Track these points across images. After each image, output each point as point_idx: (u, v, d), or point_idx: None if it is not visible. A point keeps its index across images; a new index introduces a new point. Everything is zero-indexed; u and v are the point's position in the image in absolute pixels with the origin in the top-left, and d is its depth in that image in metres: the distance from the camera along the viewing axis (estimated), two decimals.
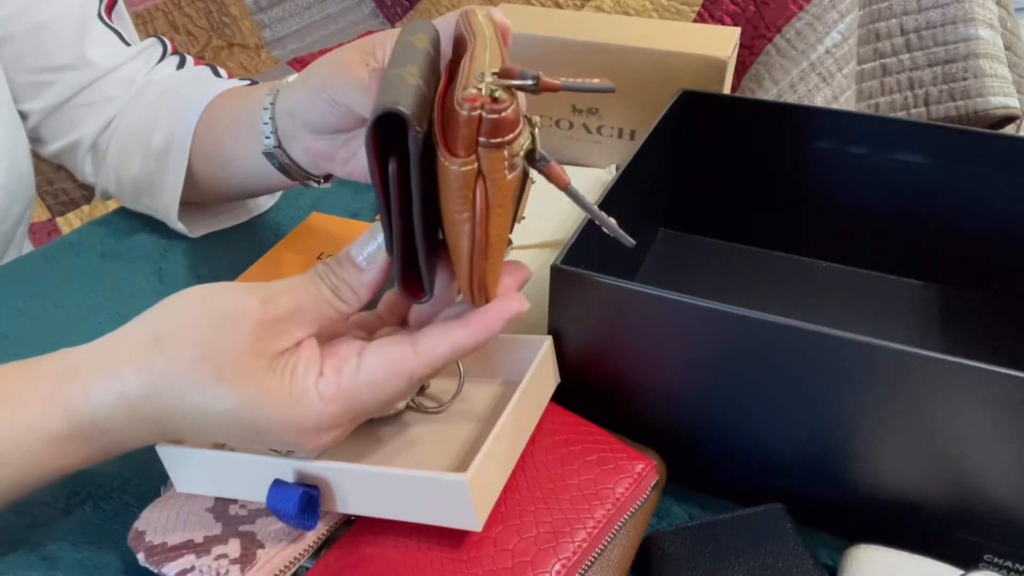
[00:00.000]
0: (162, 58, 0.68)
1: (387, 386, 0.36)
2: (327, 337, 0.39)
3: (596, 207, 0.35)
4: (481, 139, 0.30)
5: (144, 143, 0.63)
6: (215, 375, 0.35)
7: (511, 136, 0.31)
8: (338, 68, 0.46)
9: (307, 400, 0.35)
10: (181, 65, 0.68)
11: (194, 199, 0.65)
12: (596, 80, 0.33)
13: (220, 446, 0.41)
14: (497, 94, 0.30)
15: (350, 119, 0.48)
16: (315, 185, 0.57)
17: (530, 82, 0.30)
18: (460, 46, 0.38)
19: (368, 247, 0.38)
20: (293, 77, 0.54)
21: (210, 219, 0.68)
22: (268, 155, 0.54)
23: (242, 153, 0.58)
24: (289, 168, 0.54)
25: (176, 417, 0.36)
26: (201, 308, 0.36)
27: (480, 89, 0.30)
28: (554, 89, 0.31)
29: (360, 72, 0.45)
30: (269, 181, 0.59)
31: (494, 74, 0.30)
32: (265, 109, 0.53)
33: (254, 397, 0.35)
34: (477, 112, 0.30)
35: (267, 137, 0.53)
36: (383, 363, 0.36)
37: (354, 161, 0.52)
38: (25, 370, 0.38)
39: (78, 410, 0.37)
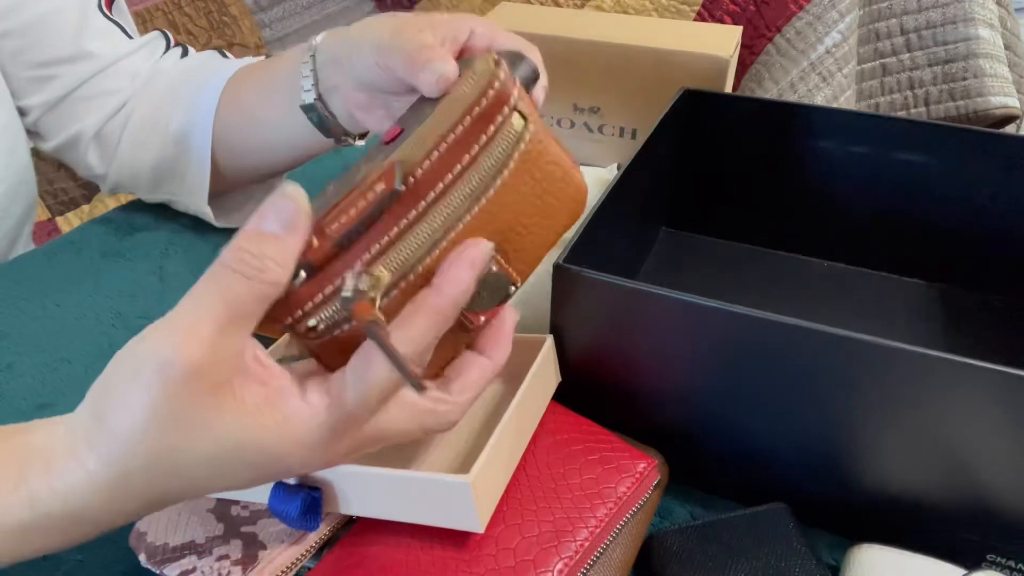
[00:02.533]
0: (166, 51, 0.68)
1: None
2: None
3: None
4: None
5: (161, 130, 0.62)
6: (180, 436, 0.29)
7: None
8: (397, 35, 0.43)
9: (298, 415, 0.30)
10: (184, 54, 0.68)
11: (216, 185, 0.64)
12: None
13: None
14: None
15: (396, 85, 0.46)
16: (351, 142, 0.56)
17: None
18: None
19: (284, 213, 0.32)
20: (321, 36, 0.53)
21: (233, 214, 0.67)
22: (307, 108, 0.53)
23: (274, 116, 0.57)
24: (328, 121, 0.53)
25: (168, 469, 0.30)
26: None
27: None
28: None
29: (414, 44, 0.41)
30: (300, 146, 0.58)
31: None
32: (305, 63, 0.52)
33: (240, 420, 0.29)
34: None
35: (307, 91, 0.52)
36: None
37: (389, 122, 0.50)
38: None
39: (44, 501, 0.30)
